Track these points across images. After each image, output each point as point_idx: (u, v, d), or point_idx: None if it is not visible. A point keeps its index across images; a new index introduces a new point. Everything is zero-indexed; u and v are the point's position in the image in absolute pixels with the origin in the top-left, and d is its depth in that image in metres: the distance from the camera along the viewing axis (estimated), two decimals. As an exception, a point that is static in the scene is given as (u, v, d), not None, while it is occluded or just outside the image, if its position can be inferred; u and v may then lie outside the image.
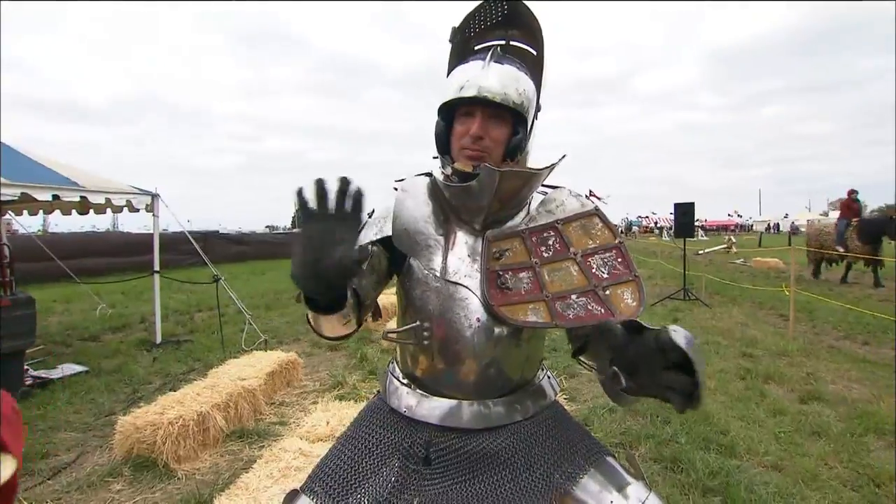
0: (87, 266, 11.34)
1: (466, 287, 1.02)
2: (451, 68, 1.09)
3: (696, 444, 2.97)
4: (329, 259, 0.72)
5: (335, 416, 3.14)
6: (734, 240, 23.22)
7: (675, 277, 10.26)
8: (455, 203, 1.06)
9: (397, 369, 1.16)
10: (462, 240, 1.07)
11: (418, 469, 1.00)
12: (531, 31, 1.07)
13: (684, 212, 8.89)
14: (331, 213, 0.72)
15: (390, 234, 1.08)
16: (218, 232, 22.61)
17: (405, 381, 1.12)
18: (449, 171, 1.05)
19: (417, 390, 1.08)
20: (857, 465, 2.77)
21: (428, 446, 1.02)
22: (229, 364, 4.18)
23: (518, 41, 1.10)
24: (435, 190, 1.10)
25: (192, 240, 6.36)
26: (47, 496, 2.57)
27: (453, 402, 1.04)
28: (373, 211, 1.16)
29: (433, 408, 1.04)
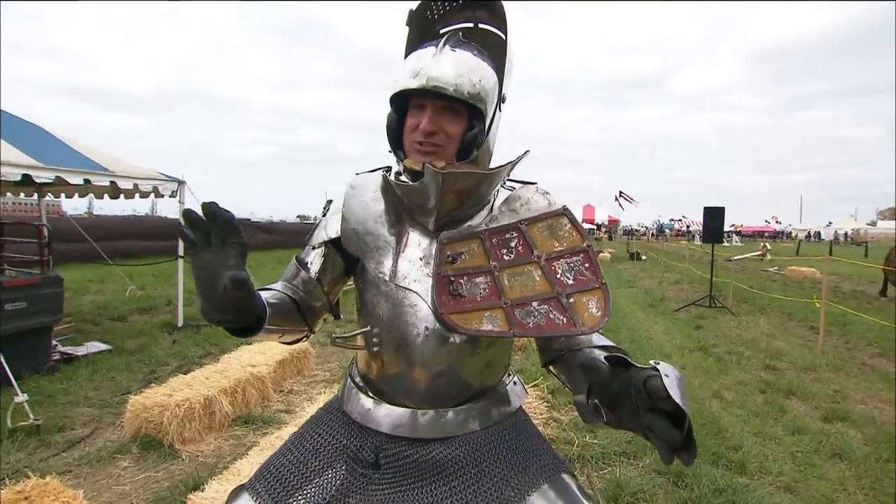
0: (124, 248, 11.87)
1: (415, 293, 0.96)
2: (407, 54, 1.00)
3: (704, 458, 2.85)
4: (217, 289, 0.71)
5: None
6: (769, 247, 22.21)
7: (703, 283, 9.90)
8: (406, 202, 1.00)
9: (356, 371, 1.13)
10: (415, 241, 1.01)
11: (366, 473, 0.97)
12: (498, 12, 0.99)
13: (713, 216, 8.56)
14: (209, 242, 0.71)
15: (337, 234, 1.04)
16: (249, 220, 23.19)
17: (361, 383, 1.09)
18: (400, 167, 1.00)
19: (371, 395, 1.05)
20: (880, 493, 2.60)
21: (377, 451, 0.98)
22: (242, 350, 4.27)
23: (487, 24, 1.01)
24: (387, 187, 1.03)
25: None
26: (60, 467, 2.69)
27: (406, 410, 1.00)
28: (328, 204, 1.12)
29: (385, 415, 1.00)
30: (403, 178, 1.01)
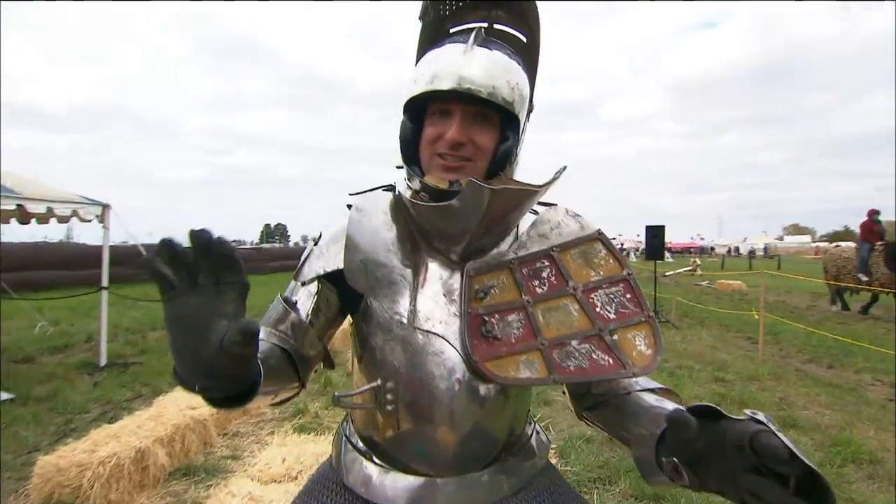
0: (33, 279, 10.58)
1: (442, 337, 0.80)
2: (420, 55, 0.86)
3: (677, 478, 2.83)
4: (208, 345, 0.51)
5: (292, 453, 2.85)
6: (699, 262, 23.88)
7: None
8: (428, 227, 0.84)
9: (352, 431, 0.93)
10: (435, 274, 0.85)
11: None
12: (521, 11, 0.85)
13: (654, 234, 9.01)
14: (198, 283, 0.52)
15: (341, 266, 0.84)
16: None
17: (363, 447, 0.90)
18: (417, 185, 0.83)
19: (378, 462, 0.86)
20: (840, 499, 2.69)
21: None
22: (180, 391, 3.81)
23: (504, 24, 0.86)
24: (400, 209, 0.88)
25: (144, 252, 5.93)
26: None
27: (424, 479, 0.82)
28: (319, 237, 0.92)
29: (399, 488, 0.82)
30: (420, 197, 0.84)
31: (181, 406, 3.39)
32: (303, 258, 0.92)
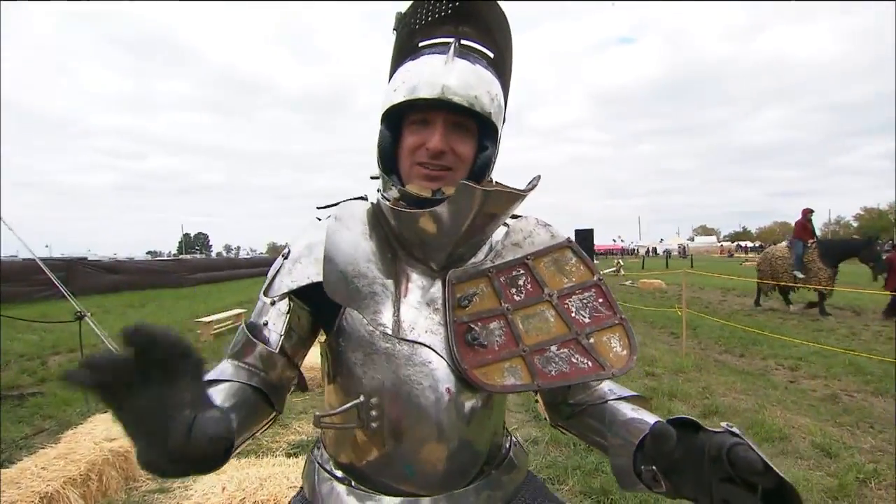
0: None
1: (429, 347, 0.78)
2: (394, 67, 0.86)
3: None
4: (175, 438, 0.47)
5: (233, 480, 2.64)
6: (622, 263, 25.51)
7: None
8: (409, 236, 0.83)
9: (326, 457, 0.88)
10: (417, 283, 0.84)
11: None
12: (489, 28, 0.87)
13: (584, 237, 9.54)
14: (146, 378, 0.47)
15: (319, 279, 0.80)
16: (86, 259, 19.63)
17: (340, 473, 0.84)
18: (396, 194, 0.82)
19: (359, 487, 0.81)
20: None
21: None
22: (93, 421, 3.41)
23: (471, 41, 0.87)
24: (378, 219, 0.87)
25: (45, 267, 5.26)
26: None
27: (407, 501, 0.78)
28: (288, 251, 0.88)
29: None
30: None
31: (97, 439, 3.03)
32: (271, 274, 0.87)
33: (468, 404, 0.79)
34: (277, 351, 0.81)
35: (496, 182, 0.82)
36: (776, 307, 10.60)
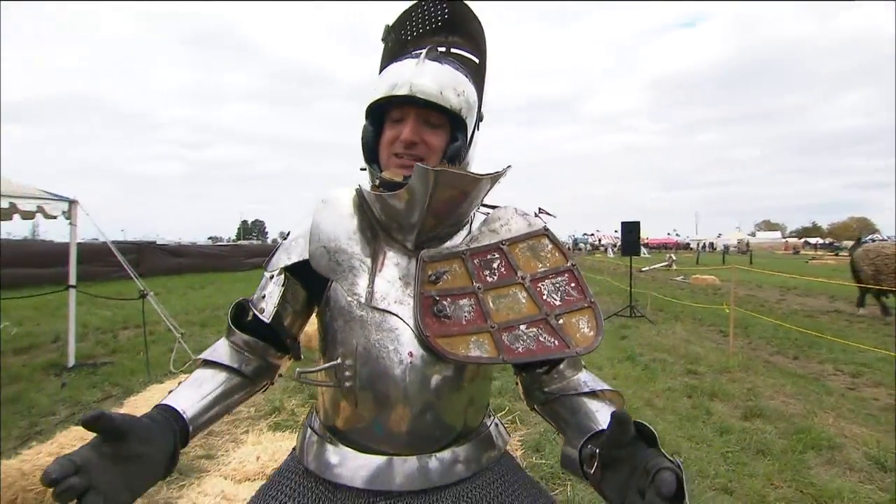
0: (-4, 278, 10.21)
1: (396, 315, 0.86)
2: (382, 69, 0.96)
3: (647, 466, 2.91)
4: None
5: (267, 450, 2.84)
6: (674, 257, 24.43)
7: (621, 294, 10.53)
8: (384, 217, 0.91)
9: (317, 420, 0.97)
10: (392, 260, 0.91)
11: None
12: (473, 37, 0.96)
13: (630, 230, 9.17)
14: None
15: (306, 256, 0.91)
16: (154, 243, 21.19)
17: (326, 434, 0.93)
18: (377, 181, 0.90)
19: (340, 445, 0.89)
20: (801, 485, 2.80)
21: None
22: (152, 390, 3.77)
23: (459, 48, 0.98)
24: (362, 203, 0.95)
25: (115, 250, 5.77)
26: None
27: (382, 458, 0.86)
28: (288, 233, 0.99)
29: (358, 467, 0.85)
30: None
31: (153, 405, 3.33)
32: (272, 252, 0.98)
33: (433, 371, 0.85)
34: (270, 321, 0.90)
35: (448, 164, 0.87)
36: (842, 308, 9.82)
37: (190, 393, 0.85)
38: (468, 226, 0.96)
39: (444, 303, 0.84)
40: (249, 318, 0.95)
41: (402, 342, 0.84)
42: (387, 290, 0.87)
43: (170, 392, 0.85)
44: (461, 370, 0.87)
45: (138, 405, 3.38)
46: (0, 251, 10.93)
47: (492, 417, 1.01)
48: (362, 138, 0.92)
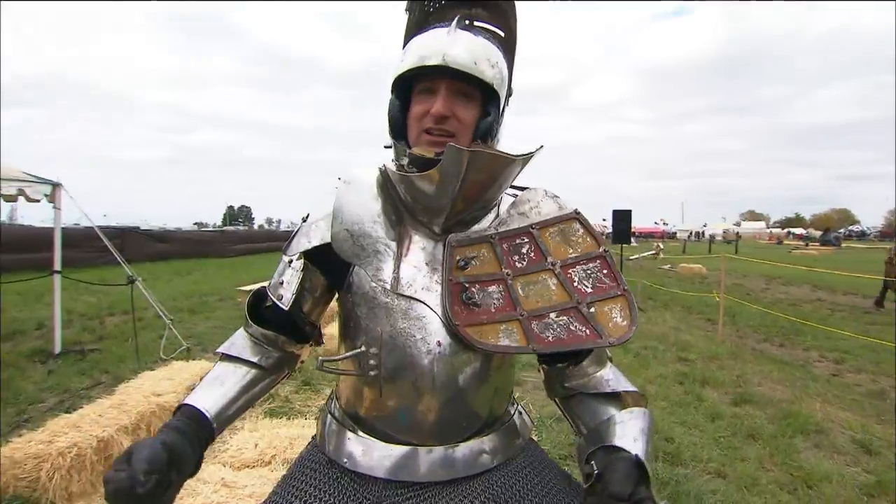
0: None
1: (423, 303, 0.83)
2: (405, 42, 0.90)
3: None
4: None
5: (264, 438, 2.82)
6: (662, 246, 24.69)
7: (612, 282, 10.58)
8: (411, 199, 0.87)
9: (337, 407, 0.95)
10: (418, 245, 0.88)
11: None
12: (500, 9, 0.91)
13: (621, 218, 9.24)
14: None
15: (326, 240, 0.87)
16: (139, 228, 20.76)
17: (347, 422, 0.90)
18: (405, 160, 0.85)
19: (362, 434, 0.87)
20: (790, 468, 2.87)
21: None
22: (143, 377, 3.68)
23: (483, 22, 0.91)
24: (386, 184, 0.90)
25: (102, 235, 5.63)
26: None
27: (407, 448, 0.84)
28: (307, 216, 0.94)
29: (382, 457, 0.83)
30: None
31: (146, 393, 3.28)
32: (291, 236, 0.94)
33: (461, 361, 0.83)
34: (289, 308, 0.87)
35: (485, 144, 0.84)
36: (824, 297, 10.04)
37: (212, 391, 0.86)
38: (496, 208, 0.93)
39: (473, 290, 0.82)
40: (268, 304, 0.92)
41: (429, 331, 0.82)
42: (413, 276, 0.84)
43: (193, 389, 0.85)
44: (489, 359, 0.85)
45: (130, 392, 3.32)
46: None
47: (515, 405, 1.00)
48: (389, 113, 0.88)
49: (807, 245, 36.78)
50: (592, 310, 0.81)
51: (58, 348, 4.98)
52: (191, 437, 0.75)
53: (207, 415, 0.80)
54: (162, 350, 4.99)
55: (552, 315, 0.81)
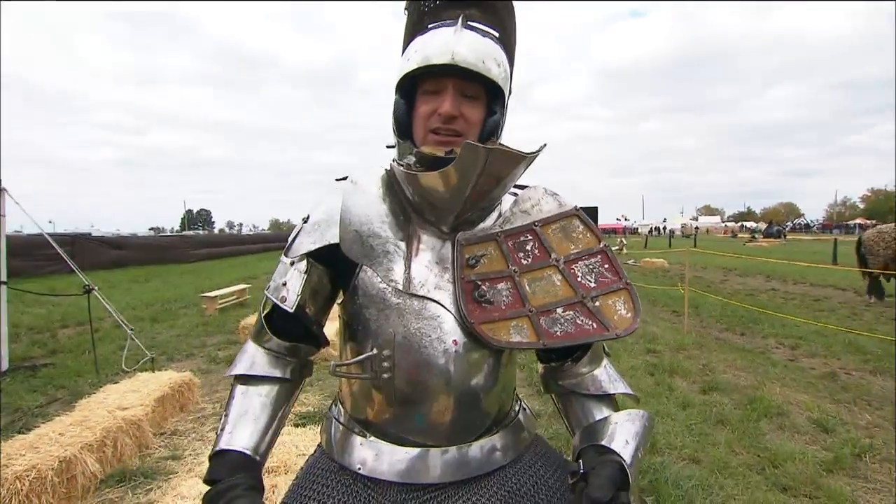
0: None
1: (437, 302, 0.82)
2: (406, 43, 0.90)
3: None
4: None
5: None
6: (625, 241, 25.46)
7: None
8: (419, 198, 0.86)
9: (343, 413, 0.93)
10: (427, 244, 0.87)
11: None
12: (494, 9, 0.91)
13: (588, 215, 9.45)
14: None
15: (336, 240, 0.85)
16: (90, 234, 19.71)
17: (355, 427, 0.89)
18: (412, 159, 0.85)
19: (373, 438, 0.85)
20: (757, 450, 3.02)
21: None
22: (106, 391, 3.50)
23: (477, 22, 0.90)
24: (392, 183, 0.90)
25: (53, 242, 5.30)
26: None
27: (420, 450, 0.83)
28: (307, 216, 0.92)
29: (396, 461, 0.82)
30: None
31: (110, 407, 3.11)
32: (292, 235, 0.91)
33: (475, 359, 0.82)
34: (293, 311, 0.84)
35: (500, 143, 0.84)
36: (777, 287, 10.60)
37: (249, 427, 0.83)
38: (499, 207, 0.93)
39: (484, 287, 0.82)
40: (268, 310, 0.89)
41: (444, 330, 0.81)
42: (425, 275, 0.84)
43: (223, 430, 0.83)
44: (499, 356, 0.86)
45: (92, 407, 3.14)
46: None
47: (519, 401, 1.01)
48: (394, 113, 0.87)
49: (753, 237, 38.89)
50: (597, 303, 0.83)
51: (5, 365, 4.65)
52: (259, 489, 0.76)
53: (255, 457, 0.80)
54: (124, 362, 4.75)
55: (559, 310, 0.82)
